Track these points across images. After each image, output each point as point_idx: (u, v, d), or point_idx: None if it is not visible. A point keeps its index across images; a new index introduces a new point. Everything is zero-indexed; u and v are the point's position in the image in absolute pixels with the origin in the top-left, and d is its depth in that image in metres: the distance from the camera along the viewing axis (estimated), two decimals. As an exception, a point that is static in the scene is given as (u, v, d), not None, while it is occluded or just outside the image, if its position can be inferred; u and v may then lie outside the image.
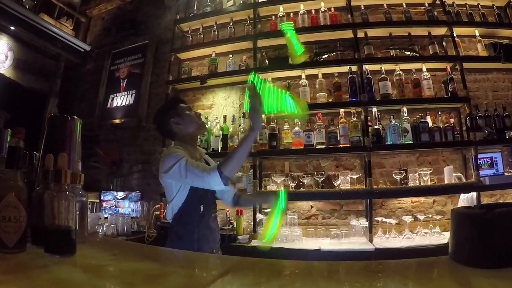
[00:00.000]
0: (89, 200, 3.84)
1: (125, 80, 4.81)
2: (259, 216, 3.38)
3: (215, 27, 4.12)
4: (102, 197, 4.09)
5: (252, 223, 3.39)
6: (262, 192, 2.89)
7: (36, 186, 1.12)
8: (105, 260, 1.05)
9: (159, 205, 3.81)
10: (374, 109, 3.43)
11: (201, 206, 1.92)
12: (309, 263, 1.09)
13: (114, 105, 4.79)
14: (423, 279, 0.86)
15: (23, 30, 4.62)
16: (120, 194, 4.12)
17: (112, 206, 4.07)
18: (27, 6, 4.59)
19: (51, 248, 0.97)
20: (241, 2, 4.13)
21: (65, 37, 5.08)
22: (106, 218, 3.70)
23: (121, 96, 4.77)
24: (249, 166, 3.48)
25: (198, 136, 2.20)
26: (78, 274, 0.88)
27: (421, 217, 3.06)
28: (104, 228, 3.39)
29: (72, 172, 1.14)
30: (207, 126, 3.63)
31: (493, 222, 0.81)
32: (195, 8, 4.37)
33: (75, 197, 1.06)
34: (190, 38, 4.24)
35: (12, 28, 4.54)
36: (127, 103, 4.69)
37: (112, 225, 3.48)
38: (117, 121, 4.66)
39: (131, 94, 4.68)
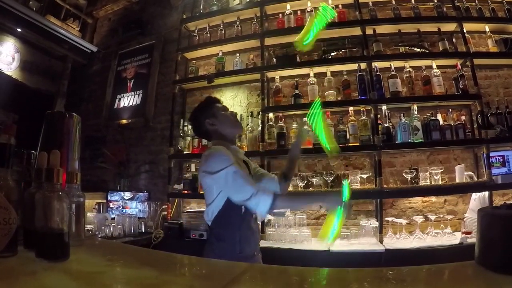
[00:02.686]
0: (96, 201, 3.87)
1: (132, 81, 4.81)
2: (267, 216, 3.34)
3: (221, 26, 4.10)
4: (109, 198, 4.10)
5: (260, 223, 3.36)
6: (314, 192, 2.77)
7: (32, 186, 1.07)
8: (99, 266, 0.99)
9: (166, 206, 3.81)
10: (384, 107, 3.39)
11: (243, 207, 1.88)
12: (321, 270, 1.01)
13: (121, 105, 4.79)
14: None
15: (29, 32, 4.64)
16: (127, 195, 4.11)
17: (119, 207, 4.07)
18: (33, 8, 4.61)
19: (43, 253, 0.91)
20: (248, 0, 4.10)
21: (72, 38, 5.10)
22: (113, 218, 3.70)
23: (128, 96, 4.77)
24: (257, 166, 3.44)
25: (236, 136, 2.16)
26: (67, 282, 0.82)
27: (432, 217, 3.01)
28: (111, 229, 3.39)
29: (68, 171, 1.10)
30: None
31: None
32: (201, 7, 4.35)
33: (71, 197, 1.02)
34: (197, 37, 4.22)
35: (19, 30, 4.56)
36: (134, 103, 4.69)
37: (119, 226, 3.48)
38: (124, 121, 4.65)
39: (138, 94, 4.68)
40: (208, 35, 4.17)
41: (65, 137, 1.29)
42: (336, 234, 1.71)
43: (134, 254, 1.35)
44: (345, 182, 1.77)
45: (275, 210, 1.87)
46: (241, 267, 1.10)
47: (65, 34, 4.99)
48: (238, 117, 3.61)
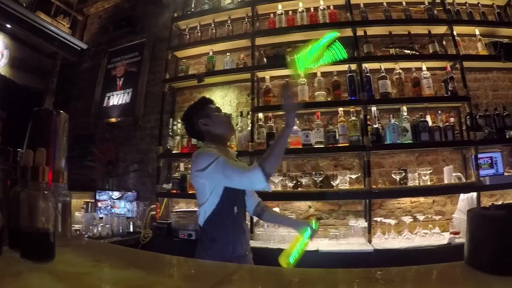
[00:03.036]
0: (84, 200, 3.82)
1: (122, 79, 4.76)
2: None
3: (212, 25, 4.08)
4: (97, 197, 4.05)
5: (249, 223, 3.34)
6: (291, 218, 2.85)
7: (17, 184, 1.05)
8: (86, 267, 0.97)
9: (155, 205, 3.78)
10: (374, 108, 3.39)
11: (235, 208, 1.90)
12: (310, 270, 1.00)
13: (111, 103, 4.74)
14: None
15: (19, 28, 4.58)
16: (116, 194, 4.07)
17: (108, 206, 4.02)
18: (23, 4, 4.55)
19: (28, 253, 0.89)
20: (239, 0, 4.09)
21: (62, 35, 5.04)
22: (101, 218, 3.66)
23: (117, 94, 4.72)
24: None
25: (228, 138, 2.17)
26: (52, 284, 0.80)
27: (421, 217, 3.04)
28: (99, 229, 3.36)
29: (54, 169, 1.08)
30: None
31: None
32: (192, 6, 4.32)
33: (57, 196, 1.00)
34: (188, 36, 4.20)
35: (8, 26, 4.49)
36: (123, 101, 4.64)
37: (107, 226, 3.46)
38: (113, 120, 4.61)
39: (128, 93, 4.63)
40: (199, 34, 4.14)
41: (52, 135, 1.27)
42: (296, 258, 1.82)
43: (122, 254, 1.34)
44: (314, 222, 1.96)
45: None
46: (230, 268, 1.10)
47: (55, 31, 4.94)
48: (228, 117, 3.63)
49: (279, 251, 2.83)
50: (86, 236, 3.28)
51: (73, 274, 0.88)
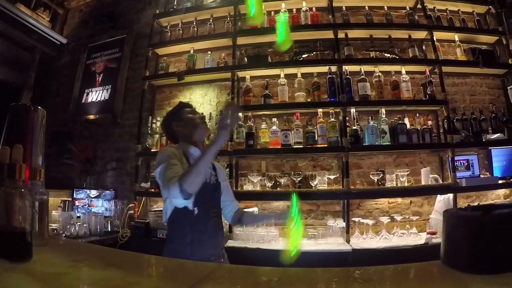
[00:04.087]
0: (61, 199, 3.73)
1: (101, 75, 4.67)
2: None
3: (194, 23, 4.05)
4: (74, 195, 3.95)
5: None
6: (272, 212, 2.82)
7: None
8: (64, 267, 0.95)
9: (133, 204, 3.74)
10: (353, 110, 3.42)
11: (195, 209, 1.82)
12: (288, 270, 1.00)
13: (89, 100, 4.64)
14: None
15: (-2, 20, 4.44)
16: (93, 193, 3.98)
17: (85, 205, 3.93)
18: (2, -5, 4.42)
19: (4, 253, 0.85)
20: (222, -2, 4.07)
21: (42, 28, 4.92)
22: (79, 217, 3.58)
23: (96, 91, 4.62)
24: (225, 165, 3.40)
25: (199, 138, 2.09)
26: (29, 285, 0.78)
27: (398, 217, 3.08)
28: (77, 228, 3.30)
29: (31, 167, 1.05)
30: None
31: (492, 225, 0.76)
32: (175, 3, 4.28)
33: (33, 195, 0.97)
34: (169, 34, 4.15)
35: (-14, 17, 4.36)
36: (102, 98, 4.55)
37: (85, 225, 3.40)
38: (91, 116, 4.50)
39: (107, 90, 4.54)
40: (181, 31, 4.10)
41: (29, 131, 1.23)
42: (296, 246, 1.74)
43: (100, 254, 1.32)
44: (294, 195, 1.81)
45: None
46: (209, 267, 1.10)
47: (35, 24, 4.81)
48: (208, 116, 3.60)
49: (258, 250, 2.87)
50: (64, 235, 3.21)
51: (51, 275, 0.86)
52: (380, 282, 0.85)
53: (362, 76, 3.43)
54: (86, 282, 0.86)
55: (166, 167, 1.75)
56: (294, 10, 3.77)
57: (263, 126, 3.45)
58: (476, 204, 3.30)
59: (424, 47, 3.75)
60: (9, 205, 0.86)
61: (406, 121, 3.37)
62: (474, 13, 3.85)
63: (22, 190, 0.90)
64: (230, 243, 3.09)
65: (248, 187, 3.37)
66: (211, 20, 3.99)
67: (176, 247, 1.82)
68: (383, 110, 3.34)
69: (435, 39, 3.56)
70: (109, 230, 3.66)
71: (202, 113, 2.22)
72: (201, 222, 1.86)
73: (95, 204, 3.96)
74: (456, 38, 3.72)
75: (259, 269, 1.01)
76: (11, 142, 1.02)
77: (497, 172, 3.41)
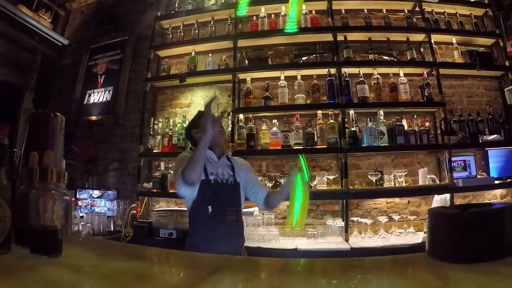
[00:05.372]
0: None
1: (103, 76, 4.70)
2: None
3: (195, 25, 4.08)
4: (77, 196, 3.99)
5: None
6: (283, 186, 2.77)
7: (19, 185, 1.08)
8: (92, 260, 1.03)
9: (135, 204, 3.76)
10: (351, 112, 3.47)
11: (209, 207, 1.96)
12: (295, 260, 1.12)
13: (91, 101, 4.68)
14: (403, 274, 0.90)
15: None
16: (96, 193, 4.03)
17: (88, 205, 3.97)
18: (4, -3, 4.45)
19: (37, 249, 0.95)
20: (223, 1, 4.10)
21: (43, 30, 4.94)
22: (82, 217, 3.62)
23: (98, 92, 4.66)
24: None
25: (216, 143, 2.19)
26: (67, 275, 0.86)
27: (396, 217, 3.13)
28: (80, 228, 3.32)
29: (56, 170, 1.11)
30: (184, 125, 3.61)
31: (468, 221, 0.87)
32: (176, 5, 4.31)
33: (61, 196, 1.04)
34: (170, 36, 4.18)
35: (-11, 19, 4.39)
36: (104, 99, 4.59)
37: (88, 225, 3.41)
38: (93, 117, 4.54)
39: (109, 91, 4.58)
40: (182, 33, 4.13)
41: (50, 137, 1.34)
42: (300, 216, 1.84)
43: (120, 249, 1.45)
44: (301, 156, 1.91)
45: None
46: (223, 258, 1.22)
47: (37, 26, 4.83)
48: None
49: (259, 249, 2.91)
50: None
51: (84, 266, 0.94)
52: (370, 269, 0.99)
53: (361, 78, 3.48)
54: (117, 272, 0.93)
55: (177, 168, 1.96)
56: (294, 13, 3.80)
57: (264, 127, 3.49)
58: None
59: (422, 50, 3.79)
60: (42, 205, 0.96)
61: (404, 122, 3.42)
62: (472, 15, 3.90)
63: (53, 192, 0.99)
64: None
65: (248, 187, 3.42)
66: (212, 23, 4.03)
67: (193, 241, 1.99)
68: (381, 112, 3.39)
69: (432, 41, 3.60)
70: (112, 229, 3.69)
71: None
72: (215, 220, 1.98)
73: (98, 204, 3.99)
74: (454, 41, 3.76)
75: (270, 259, 1.16)
76: (33, 148, 1.13)
77: (493, 173, 3.45)
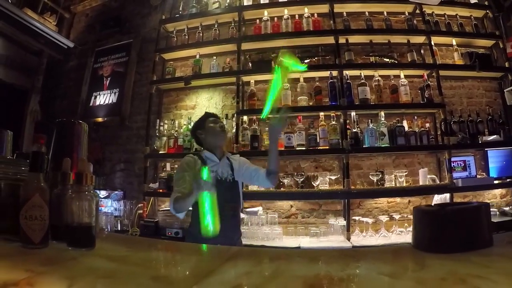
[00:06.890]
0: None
1: (109, 79, 4.76)
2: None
3: (200, 29, 4.14)
4: (84, 196, 4.06)
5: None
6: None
7: (52, 187, 1.20)
8: (123, 251, 1.19)
9: (142, 204, 3.82)
10: (353, 113, 3.53)
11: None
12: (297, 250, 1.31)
13: (97, 103, 4.74)
14: (388, 261, 1.06)
15: (5, 25, 4.50)
16: (103, 193, 4.10)
17: (95, 205, 4.04)
18: (10, 0, 4.51)
19: (74, 243, 1.08)
20: (227, 4, 4.17)
21: (49, 32, 4.98)
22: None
23: (104, 94, 4.73)
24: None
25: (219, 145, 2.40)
26: (107, 263, 0.99)
27: (397, 216, 3.20)
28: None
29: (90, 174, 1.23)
30: (189, 127, 3.67)
31: (446, 217, 1.02)
32: (180, 8, 4.37)
33: (93, 197, 1.16)
34: (175, 39, 4.24)
35: (-5, 22, 4.46)
36: (110, 101, 4.65)
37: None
38: (99, 119, 4.61)
39: (114, 93, 4.64)
40: (186, 37, 4.20)
41: (76, 143, 1.46)
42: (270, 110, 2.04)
43: (142, 242, 1.68)
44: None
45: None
46: (235, 248, 1.46)
47: (42, 28, 4.87)
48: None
49: (263, 248, 2.97)
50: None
51: (117, 257, 1.09)
52: (361, 257, 1.13)
53: (362, 81, 3.54)
54: (148, 260, 1.11)
55: (176, 181, 2.20)
56: (297, 16, 3.87)
57: (267, 129, 3.54)
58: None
59: (422, 51, 3.84)
60: (77, 205, 1.10)
61: (405, 123, 3.49)
62: (472, 17, 3.95)
63: (87, 193, 1.13)
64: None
65: (253, 187, 3.46)
66: (216, 26, 4.08)
67: (193, 231, 2.15)
68: (382, 113, 3.46)
69: (433, 43, 3.66)
70: (119, 229, 3.76)
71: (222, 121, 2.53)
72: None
73: (105, 204, 4.05)
74: (454, 43, 3.82)
75: (278, 250, 1.41)
76: (60, 153, 1.29)
77: (493, 173, 3.50)
